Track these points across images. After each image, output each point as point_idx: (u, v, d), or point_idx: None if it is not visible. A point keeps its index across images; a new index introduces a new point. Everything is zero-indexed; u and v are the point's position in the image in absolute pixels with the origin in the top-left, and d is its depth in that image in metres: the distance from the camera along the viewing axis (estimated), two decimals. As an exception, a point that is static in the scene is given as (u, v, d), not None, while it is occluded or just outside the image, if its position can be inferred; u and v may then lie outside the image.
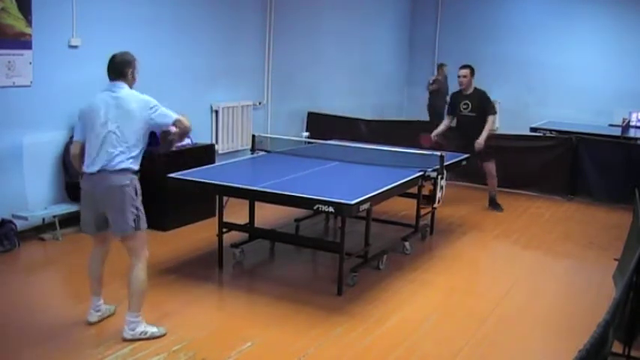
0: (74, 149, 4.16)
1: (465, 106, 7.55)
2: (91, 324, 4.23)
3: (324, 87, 10.38)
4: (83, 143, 4.07)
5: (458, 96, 7.70)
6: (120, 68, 4.08)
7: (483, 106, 7.56)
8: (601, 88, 11.44)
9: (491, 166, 7.69)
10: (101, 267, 4.27)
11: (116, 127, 3.93)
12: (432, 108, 11.25)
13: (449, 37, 12.78)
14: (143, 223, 4.04)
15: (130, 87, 4.11)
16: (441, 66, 11.53)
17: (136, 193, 4.00)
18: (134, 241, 4.02)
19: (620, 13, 11.39)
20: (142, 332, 4.03)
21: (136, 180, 4.02)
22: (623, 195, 7.63)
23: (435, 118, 10.45)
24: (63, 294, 5.06)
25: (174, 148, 4.31)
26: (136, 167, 4.02)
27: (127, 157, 3.95)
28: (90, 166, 3.98)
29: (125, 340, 4.00)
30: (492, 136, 8.16)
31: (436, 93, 11.19)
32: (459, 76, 7.57)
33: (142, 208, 4.04)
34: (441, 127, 7.80)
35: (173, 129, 4.12)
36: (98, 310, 4.28)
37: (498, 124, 12.19)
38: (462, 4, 12.66)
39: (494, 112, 7.72)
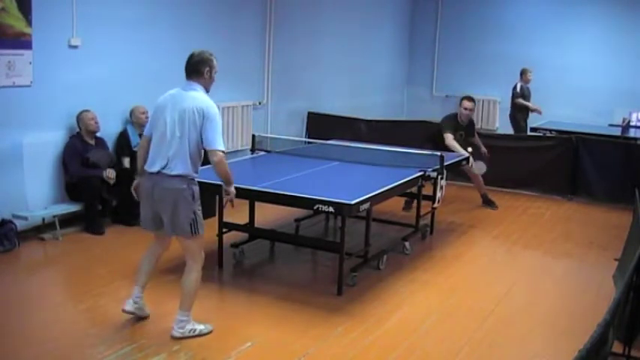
0: (142, 142, 4.15)
1: (459, 136, 7.46)
2: (125, 312, 4.19)
3: (324, 87, 10.38)
4: (150, 139, 4.04)
5: (455, 124, 7.51)
6: (196, 67, 4.00)
7: (473, 132, 7.77)
8: (601, 88, 11.43)
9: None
10: (154, 262, 4.29)
11: (178, 130, 3.87)
12: (517, 120, 10.26)
13: (449, 37, 12.76)
14: (201, 228, 4.01)
15: (207, 87, 4.03)
16: (525, 72, 10.32)
17: (194, 198, 3.96)
18: (190, 243, 4.03)
19: (620, 13, 11.37)
20: (190, 330, 4.06)
21: (194, 184, 3.97)
22: (623, 195, 7.64)
23: (517, 131, 9.81)
24: (63, 294, 5.06)
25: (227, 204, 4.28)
26: (195, 173, 3.96)
27: (185, 162, 3.88)
28: (151, 166, 3.95)
29: (174, 338, 4.02)
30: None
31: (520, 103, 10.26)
32: (465, 109, 7.52)
33: (199, 212, 4.00)
34: (458, 147, 7.29)
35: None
36: (137, 303, 4.22)
37: (498, 123, 12.19)
38: (462, 4, 12.64)
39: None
